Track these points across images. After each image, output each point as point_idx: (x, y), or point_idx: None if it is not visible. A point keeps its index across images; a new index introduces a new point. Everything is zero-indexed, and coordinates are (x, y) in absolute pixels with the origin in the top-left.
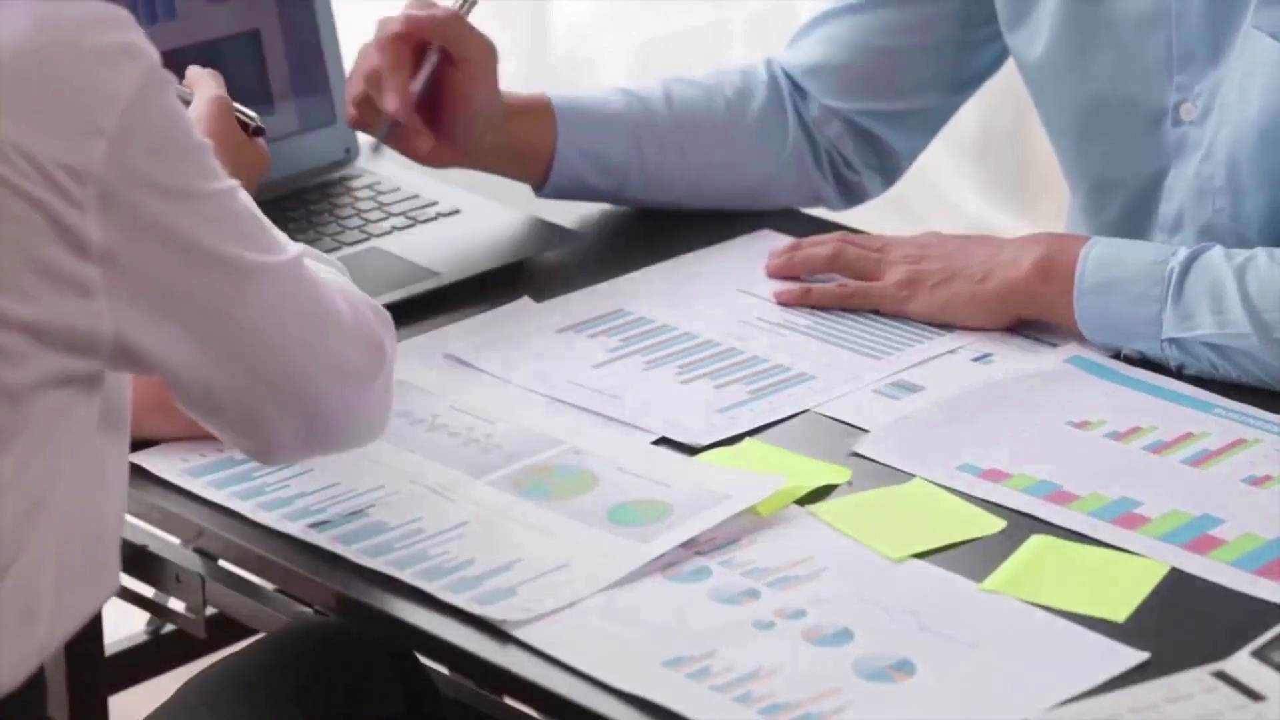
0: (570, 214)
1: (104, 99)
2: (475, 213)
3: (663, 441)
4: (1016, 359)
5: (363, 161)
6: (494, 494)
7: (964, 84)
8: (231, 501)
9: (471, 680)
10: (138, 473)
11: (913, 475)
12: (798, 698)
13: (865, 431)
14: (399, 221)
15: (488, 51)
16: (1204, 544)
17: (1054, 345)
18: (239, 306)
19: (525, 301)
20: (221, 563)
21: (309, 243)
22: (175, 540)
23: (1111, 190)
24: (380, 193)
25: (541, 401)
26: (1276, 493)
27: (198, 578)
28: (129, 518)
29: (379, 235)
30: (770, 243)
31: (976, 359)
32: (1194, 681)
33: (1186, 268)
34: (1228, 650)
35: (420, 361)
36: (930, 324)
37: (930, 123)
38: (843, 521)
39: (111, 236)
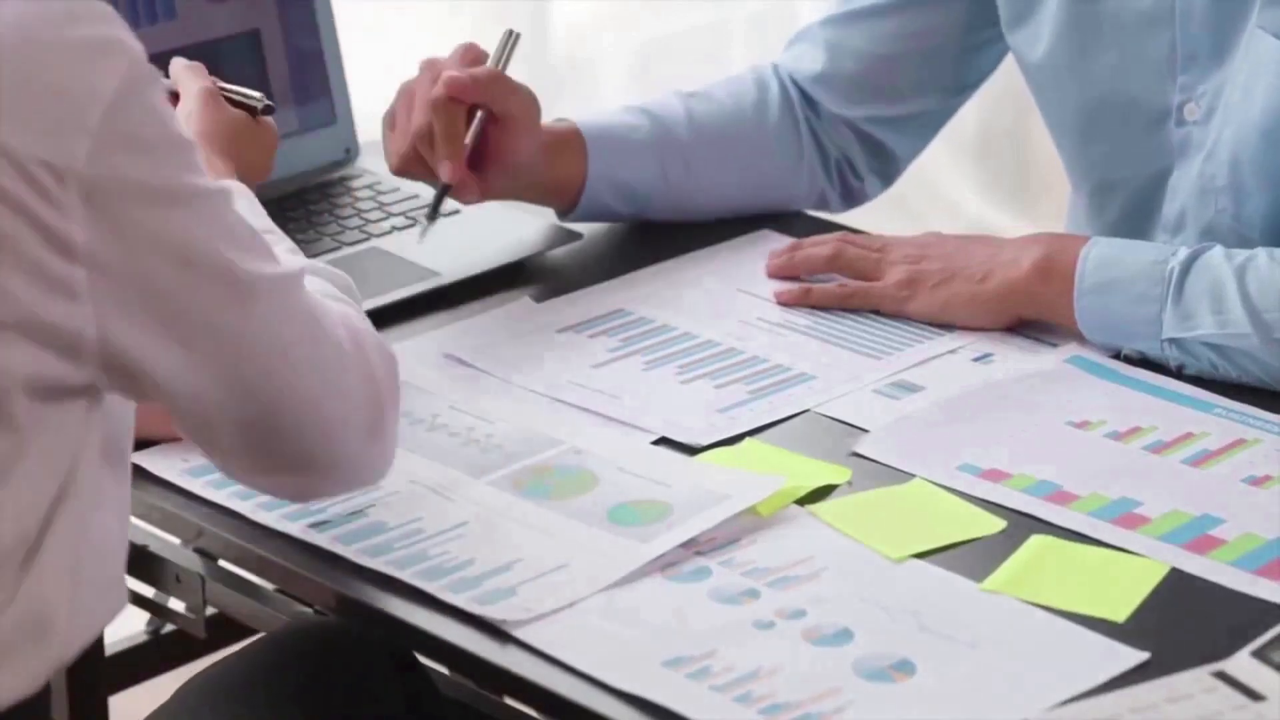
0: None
1: (86, 96)
2: (475, 213)
3: (663, 441)
4: (1016, 359)
5: (363, 161)
6: (494, 494)
7: (966, 85)
8: (231, 501)
9: (471, 680)
10: (138, 473)
11: (913, 475)
12: (798, 698)
13: (865, 431)
14: (399, 221)
15: (531, 107)
16: (1204, 544)
17: (1054, 345)
18: (227, 316)
19: (525, 301)
20: (221, 563)
21: (309, 243)
22: (175, 540)
23: (1114, 190)
24: (380, 193)
25: (541, 401)
26: (1276, 493)
27: (198, 578)
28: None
29: (379, 235)
30: (770, 243)
31: (976, 359)
32: (1194, 681)
33: (1187, 268)
34: (1228, 650)
35: (420, 361)
36: (930, 324)
37: (932, 125)
38: (843, 521)
39: (95, 238)
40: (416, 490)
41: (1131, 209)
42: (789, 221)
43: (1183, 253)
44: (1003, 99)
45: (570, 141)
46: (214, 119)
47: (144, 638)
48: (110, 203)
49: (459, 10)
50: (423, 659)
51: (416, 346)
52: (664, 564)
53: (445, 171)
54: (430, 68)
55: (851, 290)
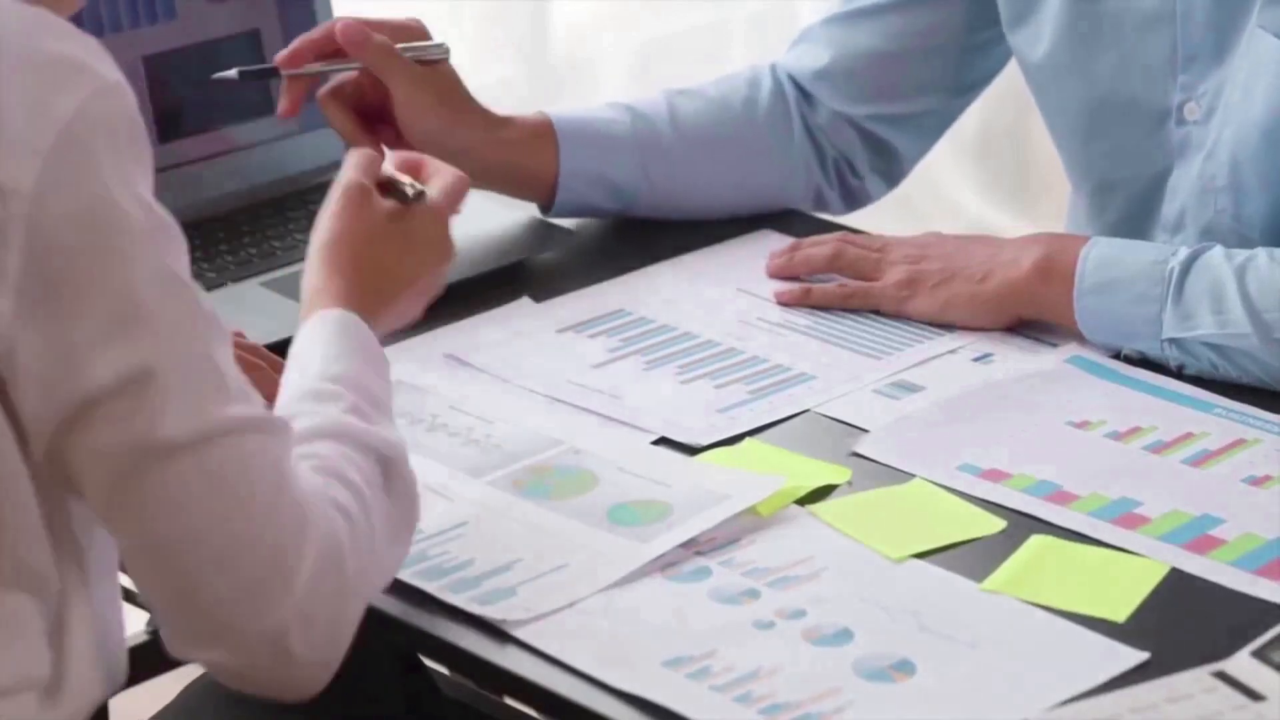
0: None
1: (41, 114)
2: (475, 213)
3: (663, 441)
4: (1016, 359)
5: None
6: (494, 494)
7: (970, 86)
8: None
9: (471, 680)
10: None
11: (913, 475)
12: (798, 698)
13: (865, 431)
14: None
15: (408, 87)
16: (1204, 544)
17: (1054, 345)
18: (143, 418)
19: (525, 301)
20: None
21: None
22: None
23: (1114, 190)
24: None
25: (541, 401)
26: (1276, 493)
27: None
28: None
29: None
30: (770, 243)
31: (976, 359)
32: (1194, 681)
33: (1187, 268)
34: (1228, 650)
35: (420, 361)
36: (930, 324)
37: (936, 125)
38: (843, 521)
39: (29, 272)
40: None
41: (1131, 209)
42: (789, 221)
43: (1183, 253)
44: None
45: (541, 134)
46: (345, 223)
47: (144, 637)
48: (49, 238)
49: (459, 10)
50: (423, 659)
51: (416, 346)
52: (664, 564)
53: (278, 58)
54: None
55: (851, 290)
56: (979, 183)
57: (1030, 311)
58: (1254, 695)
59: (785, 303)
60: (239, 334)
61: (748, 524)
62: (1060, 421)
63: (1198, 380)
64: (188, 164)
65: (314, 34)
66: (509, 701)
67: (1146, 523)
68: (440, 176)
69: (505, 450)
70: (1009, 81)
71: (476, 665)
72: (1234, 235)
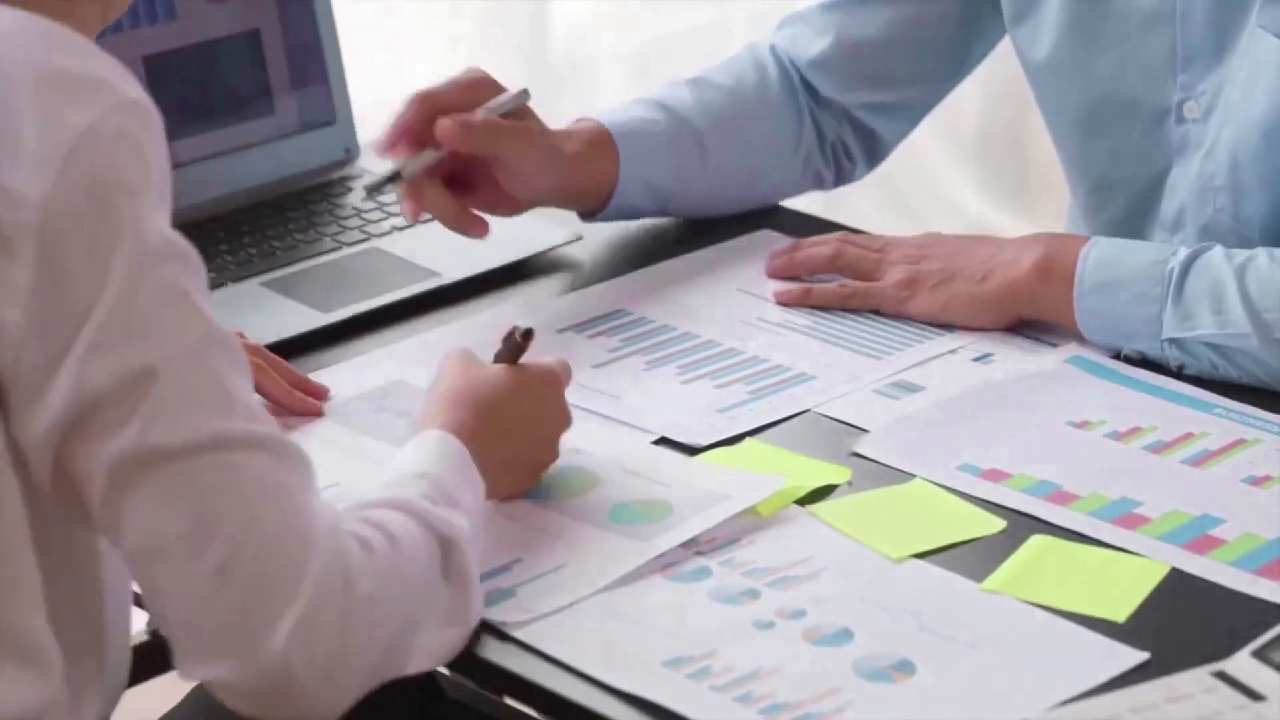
0: (570, 214)
1: (56, 127)
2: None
3: (663, 442)
4: (1016, 359)
5: (363, 161)
6: None
7: (959, 73)
8: None
9: (471, 680)
10: None
11: (913, 475)
12: (798, 698)
13: (865, 431)
14: (399, 221)
15: (523, 154)
16: (1204, 544)
17: (1054, 345)
18: (153, 432)
19: (526, 301)
20: None
21: (309, 243)
22: None
23: (1113, 189)
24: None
25: None
26: (1276, 493)
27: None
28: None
29: (379, 235)
30: (770, 243)
31: (976, 359)
32: (1194, 681)
33: (1186, 268)
34: (1228, 650)
35: (420, 362)
36: (930, 324)
37: (922, 111)
38: (843, 521)
39: (38, 283)
40: None
41: (1130, 208)
42: (789, 221)
43: (1183, 253)
44: (1003, 99)
45: (600, 143)
46: (461, 373)
47: (144, 637)
48: (59, 244)
49: (459, 10)
50: None
51: (417, 346)
52: (664, 564)
53: (381, 149)
54: (422, 102)
55: (852, 290)
56: (979, 183)
57: (1030, 311)
58: (1254, 695)
59: (785, 303)
60: (239, 334)
61: (748, 524)
62: (1060, 421)
63: (1198, 380)
64: (188, 164)
65: (406, 116)
66: (509, 701)
67: (1146, 523)
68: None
69: None
70: (1009, 81)
71: (476, 665)
72: (1233, 234)
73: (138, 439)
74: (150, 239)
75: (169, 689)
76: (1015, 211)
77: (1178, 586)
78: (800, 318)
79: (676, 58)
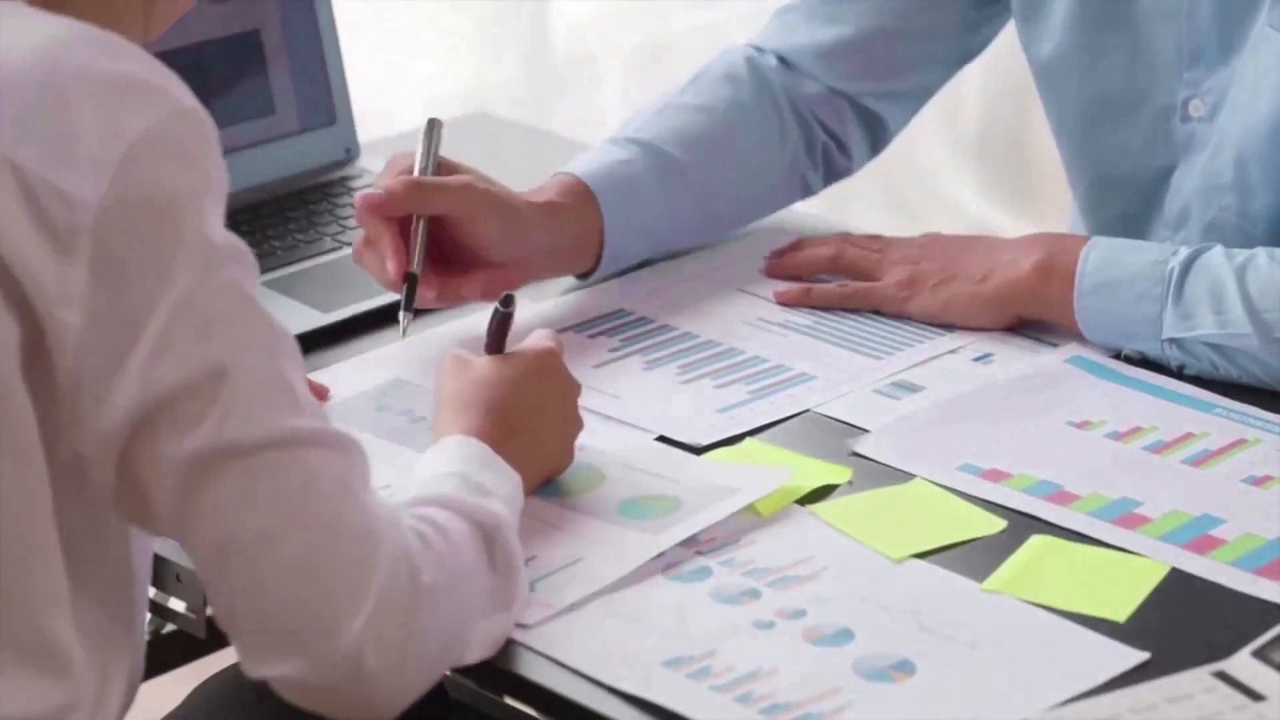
0: None
1: (110, 132)
2: None
3: (663, 441)
4: (1016, 359)
5: (363, 161)
6: None
7: (965, 58)
8: None
9: (472, 680)
10: None
11: (913, 475)
12: (798, 698)
13: (865, 431)
14: None
15: (465, 199)
16: (1204, 544)
17: (1054, 345)
18: (212, 426)
19: (525, 301)
20: None
21: (308, 243)
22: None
23: (1114, 185)
24: None
25: None
26: (1277, 493)
27: (199, 577)
28: None
29: None
30: (770, 243)
31: (976, 359)
32: (1194, 681)
33: (1187, 267)
34: (1228, 650)
35: (422, 361)
36: (931, 324)
37: (926, 96)
38: (843, 521)
39: (96, 284)
40: None
41: (1132, 204)
42: (789, 221)
43: (1183, 252)
44: (1003, 99)
45: (574, 193)
46: (456, 385)
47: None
48: (116, 244)
49: (459, 10)
50: None
51: (418, 346)
52: (665, 564)
53: (392, 270)
54: (370, 210)
55: (852, 290)
56: (979, 183)
57: (1030, 312)
58: (1254, 695)
59: (785, 303)
60: None
61: (748, 524)
62: (1060, 421)
63: (1198, 380)
64: None
65: (374, 238)
66: (509, 701)
67: (1147, 523)
68: (532, 339)
69: None
70: (1009, 81)
71: (477, 665)
72: (1238, 233)
73: (213, 435)
74: (212, 240)
75: (169, 689)
76: (1015, 211)
77: (1178, 586)
78: (800, 318)
79: (676, 58)
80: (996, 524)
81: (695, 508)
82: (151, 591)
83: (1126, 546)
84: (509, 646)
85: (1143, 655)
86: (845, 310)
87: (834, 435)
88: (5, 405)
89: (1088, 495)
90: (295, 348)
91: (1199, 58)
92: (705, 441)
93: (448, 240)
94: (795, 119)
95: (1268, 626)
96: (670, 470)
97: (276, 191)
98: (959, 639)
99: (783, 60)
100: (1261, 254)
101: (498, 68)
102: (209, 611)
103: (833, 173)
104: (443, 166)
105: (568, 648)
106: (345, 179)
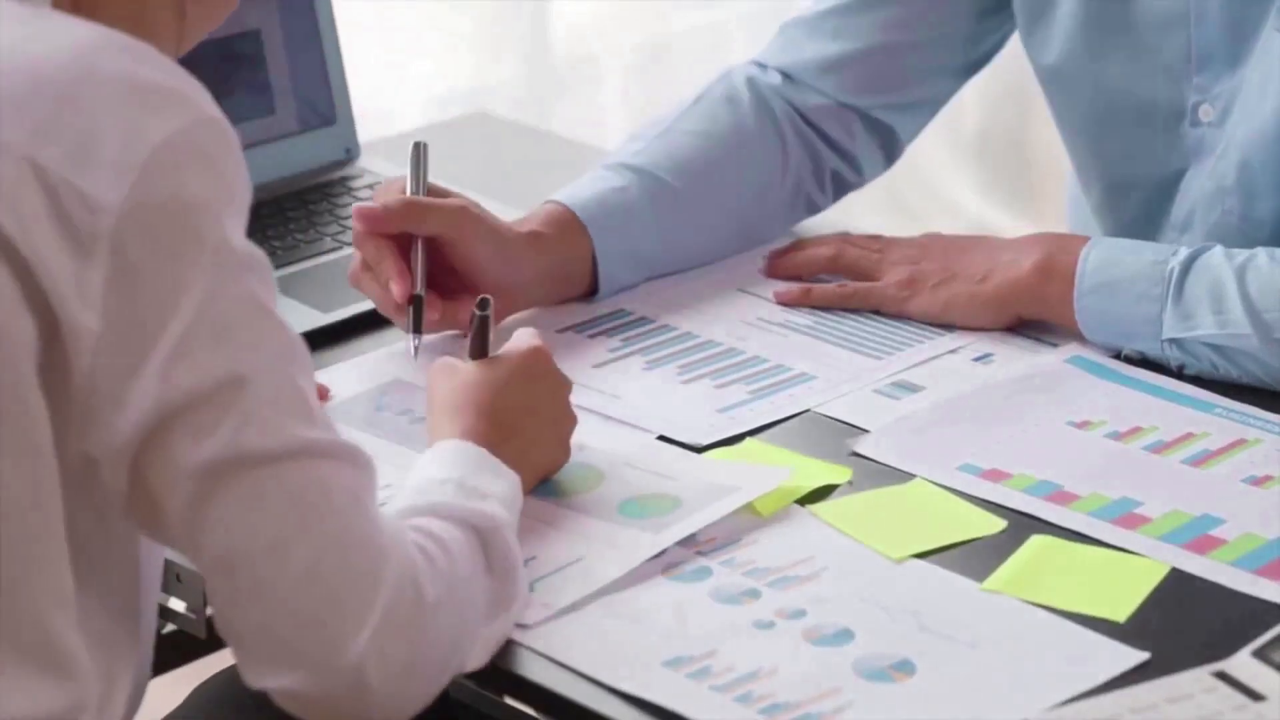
0: None
1: (134, 136)
2: None
3: (663, 441)
4: (1016, 359)
5: (363, 161)
6: None
7: (974, 67)
8: None
9: (472, 680)
10: None
11: (913, 475)
12: (798, 698)
13: (865, 431)
14: None
15: (456, 219)
16: (1204, 544)
17: (1054, 345)
18: (228, 434)
19: None
20: None
21: (308, 243)
22: None
23: (1128, 190)
24: None
25: None
26: (1277, 493)
27: (199, 577)
28: None
29: None
30: (770, 243)
31: (976, 359)
32: (1194, 681)
33: (1187, 268)
34: (1228, 650)
35: (421, 361)
36: (931, 324)
37: (936, 105)
38: (843, 521)
39: (113, 287)
40: None
41: (1144, 209)
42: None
43: (1183, 253)
44: (1003, 99)
45: (561, 222)
46: (446, 391)
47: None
48: (134, 248)
49: (459, 10)
50: None
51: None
52: (665, 564)
53: (397, 292)
54: (368, 224)
55: (852, 290)
56: (979, 183)
57: (1030, 312)
58: (1254, 695)
59: (785, 303)
60: None
61: (748, 524)
62: (1060, 421)
63: (1198, 380)
64: None
65: (371, 260)
66: (509, 701)
67: (1147, 523)
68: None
69: None
70: (1009, 81)
71: None
72: (1241, 236)
73: (229, 443)
74: (232, 249)
75: (169, 689)
76: (1015, 211)
77: (1178, 586)
78: (800, 318)
79: (676, 58)
80: (996, 524)
81: (695, 506)
82: None
83: (1126, 546)
84: (509, 646)
85: (1143, 655)
86: (845, 310)
87: (834, 435)
88: (20, 404)
89: (1088, 495)
90: (309, 359)
91: (1207, 62)
92: (705, 441)
93: (441, 265)
94: (799, 142)
95: (1268, 626)
96: (669, 469)
97: (276, 191)
98: (959, 639)
99: (787, 76)
100: (1261, 254)
101: (498, 68)
102: (209, 611)
103: (842, 190)
104: (433, 192)
105: (568, 648)
106: (345, 179)
